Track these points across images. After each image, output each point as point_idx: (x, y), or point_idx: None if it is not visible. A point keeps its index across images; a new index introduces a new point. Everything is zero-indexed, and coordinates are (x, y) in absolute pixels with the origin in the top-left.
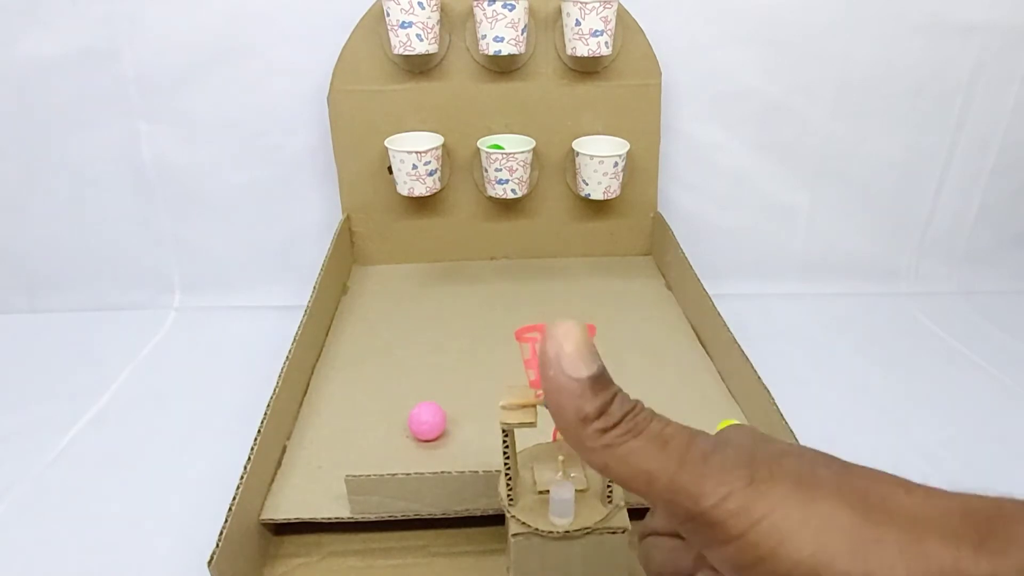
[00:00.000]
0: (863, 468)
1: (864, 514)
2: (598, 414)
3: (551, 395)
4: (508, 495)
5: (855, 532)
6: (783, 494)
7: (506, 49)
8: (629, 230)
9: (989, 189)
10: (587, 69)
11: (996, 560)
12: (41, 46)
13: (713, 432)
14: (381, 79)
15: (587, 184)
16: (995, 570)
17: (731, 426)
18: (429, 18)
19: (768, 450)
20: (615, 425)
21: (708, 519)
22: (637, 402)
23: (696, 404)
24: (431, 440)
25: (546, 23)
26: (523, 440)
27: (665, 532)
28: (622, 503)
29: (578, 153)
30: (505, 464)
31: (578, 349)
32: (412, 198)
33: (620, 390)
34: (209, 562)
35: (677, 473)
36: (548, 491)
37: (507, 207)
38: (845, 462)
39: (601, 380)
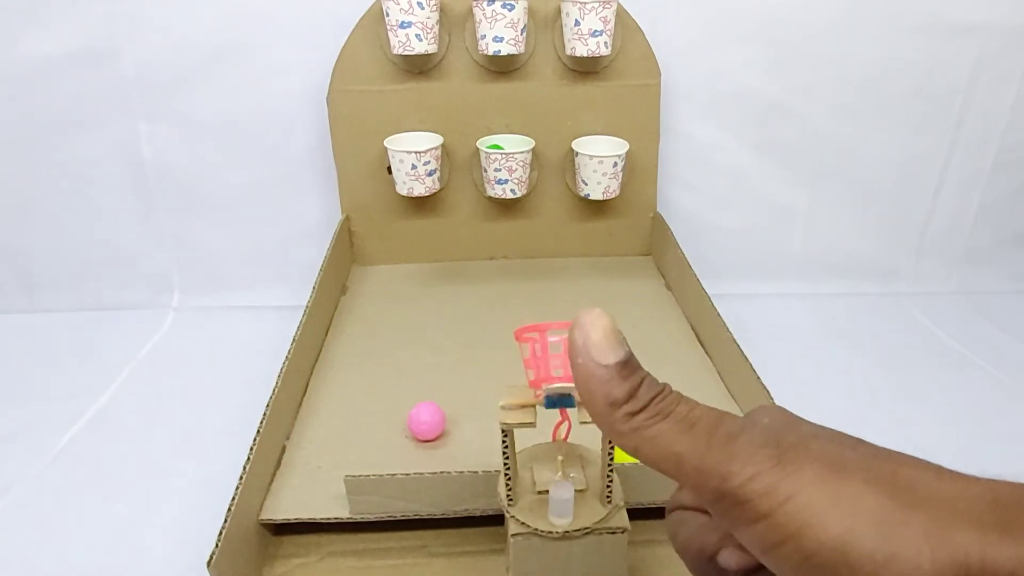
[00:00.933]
0: (892, 451)
1: (891, 496)
2: (627, 398)
3: (580, 383)
4: (507, 495)
5: (882, 514)
6: (811, 475)
7: (505, 49)
8: (628, 230)
9: (988, 189)
10: (586, 69)
11: (1023, 546)
12: (41, 46)
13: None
14: (380, 79)
15: (586, 184)
16: (1021, 556)
17: (761, 406)
18: (428, 18)
19: (796, 431)
20: (643, 408)
21: (736, 499)
22: (665, 385)
23: None
24: (430, 440)
25: (545, 23)
26: (523, 440)
27: (693, 507)
28: (621, 503)
29: (577, 153)
30: (504, 464)
31: (606, 336)
32: (411, 198)
33: (648, 374)
34: (208, 562)
35: (705, 454)
36: (547, 491)
37: (506, 207)
38: (874, 445)
39: (629, 365)
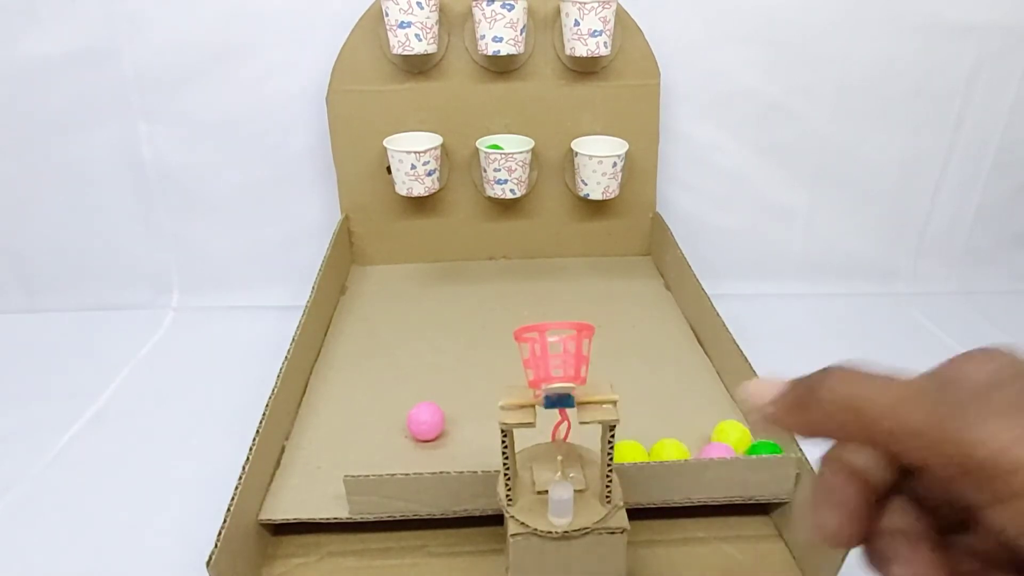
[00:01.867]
0: None
1: None
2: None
3: (784, 421)
4: (507, 495)
5: None
6: None
7: (505, 49)
8: (628, 230)
9: (988, 189)
10: (586, 69)
11: None
12: (41, 46)
13: (707, 437)
14: (380, 79)
15: (586, 184)
16: None
17: (978, 351)
18: (428, 18)
19: None
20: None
21: (987, 472)
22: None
23: (695, 404)
24: (430, 440)
25: (545, 23)
26: (522, 440)
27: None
28: (621, 503)
29: (577, 153)
30: (504, 464)
31: (763, 383)
32: (411, 198)
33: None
34: (208, 562)
35: (942, 419)
36: (547, 491)
37: (506, 207)
38: None
39: (790, 383)
